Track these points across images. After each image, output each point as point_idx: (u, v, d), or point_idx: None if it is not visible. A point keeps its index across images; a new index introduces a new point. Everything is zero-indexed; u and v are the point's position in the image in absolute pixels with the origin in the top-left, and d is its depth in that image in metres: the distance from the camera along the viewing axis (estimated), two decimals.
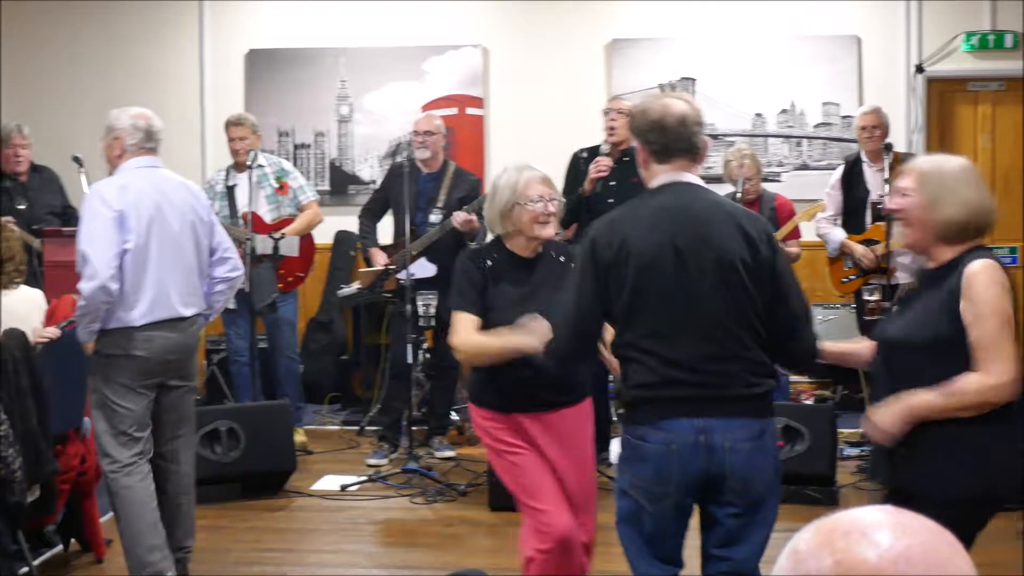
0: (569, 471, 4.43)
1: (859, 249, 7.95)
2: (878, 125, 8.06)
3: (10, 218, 7.81)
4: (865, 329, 8.01)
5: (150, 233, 5.19)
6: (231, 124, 8.20)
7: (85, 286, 5.03)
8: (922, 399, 3.59)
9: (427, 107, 9.90)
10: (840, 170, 8.31)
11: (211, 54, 10.34)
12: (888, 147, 7.81)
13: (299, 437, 7.92)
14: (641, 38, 9.93)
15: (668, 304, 3.61)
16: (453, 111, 10.02)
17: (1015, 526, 5.82)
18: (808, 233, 8.31)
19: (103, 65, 10.36)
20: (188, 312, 5.33)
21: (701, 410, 3.60)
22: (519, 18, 10.10)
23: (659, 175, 3.75)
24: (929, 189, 3.71)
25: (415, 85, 10.11)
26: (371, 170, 10.16)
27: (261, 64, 10.24)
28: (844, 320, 9.31)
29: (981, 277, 3.58)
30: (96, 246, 5.05)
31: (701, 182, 3.78)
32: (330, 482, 7.26)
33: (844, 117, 9.76)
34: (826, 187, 8.33)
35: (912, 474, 3.70)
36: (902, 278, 8.04)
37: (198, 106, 10.32)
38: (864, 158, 8.17)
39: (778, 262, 3.70)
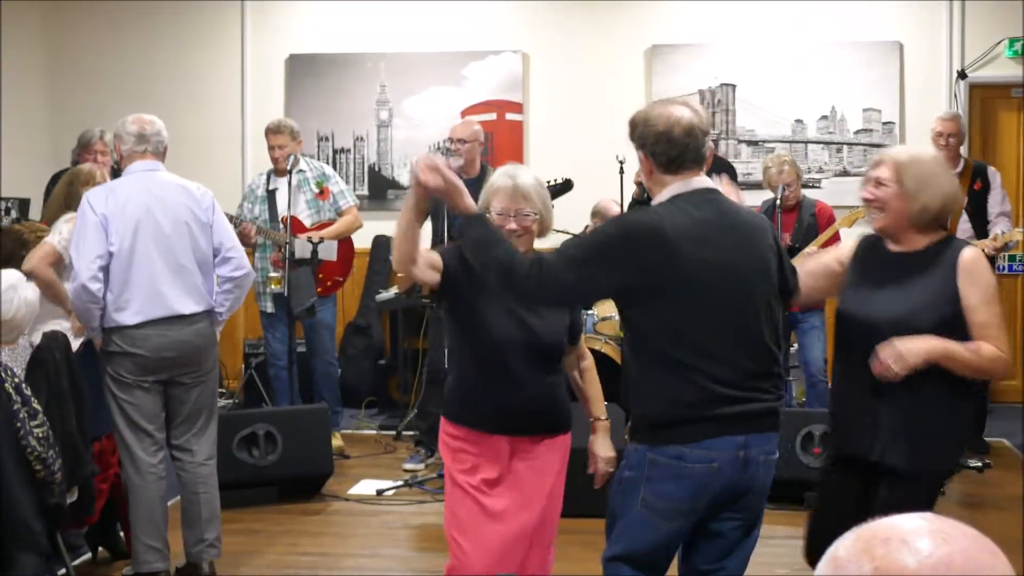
0: (534, 503, 4.16)
1: None
2: (955, 133, 7.97)
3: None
4: None
5: (136, 235, 5.34)
6: (270, 132, 8.24)
7: (69, 287, 5.37)
8: (949, 344, 3.80)
9: (466, 112, 9.92)
10: None
11: (252, 59, 10.39)
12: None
13: (336, 441, 7.93)
14: (681, 43, 9.91)
15: (718, 323, 3.54)
16: (492, 116, 10.03)
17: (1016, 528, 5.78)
18: (849, 239, 8.22)
19: (145, 70, 10.43)
20: (187, 310, 5.43)
21: (743, 427, 3.56)
22: (559, 23, 10.10)
23: (670, 185, 3.64)
24: (908, 179, 3.94)
25: (455, 90, 10.12)
26: (410, 175, 10.14)
27: (301, 69, 10.28)
28: None
29: (981, 264, 3.92)
30: (79, 249, 5.28)
31: (714, 187, 3.73)
32: (366, 486, 7.27)
33: (885, 123, 9.71)
34: None
35: (906, 450, 3.89)
36: None
37: (239, 111, 10.38)
38: None
39: (785, 265, 3.83)
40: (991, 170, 8.19)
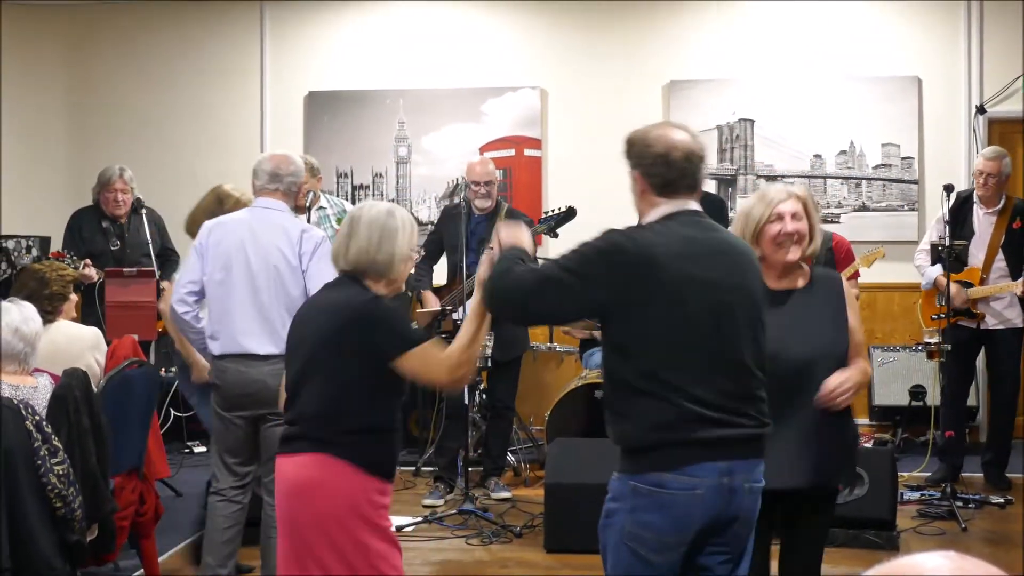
0: None
1: (953, 290, 7.73)
2: (996, 174, 7.90)
3: (88, 261, 7.95)
4: (943, 369, 7.89)
5: (229, 269, 5.49)
6: None
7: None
8: (863, 370, 4.19)
9: (485, 148, 9.94)
10: (950, 203, 8.07)
11: (271, 96, 10.44)
12: (950, 187, 7.71)
13: None
14: (699, 79, 9.93)
15: (697, 342, 3.45)
16: (511, 152, 10.05)
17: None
18: (868, 275, 8.21)
19: (165, 108, 10.49)
20: (261, 351, 5.46)
21: (726, 453, 3.45)
22: (577, 60, 10.12)
23: (660, 206, 3.58)
24: (812, 212, 4.20)
25: (473, 126, 10.15)
26: (429, 211, 10.20)
27: (321, 106, 10.32)
28: (903, 362, 9.23)
29: (851, 289, 4.30)
30: (180, 273, 5.69)
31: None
32: None
33: (904, 158, 9.71)
34: (899, 226, 8.22)
35: (829, 470, 4.18)
36: (991, 323, 7.93)
37: (259, 148, 10.41)
38: (976, 199, 8.02)
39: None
40: None
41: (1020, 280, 7.77)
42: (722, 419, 3.44)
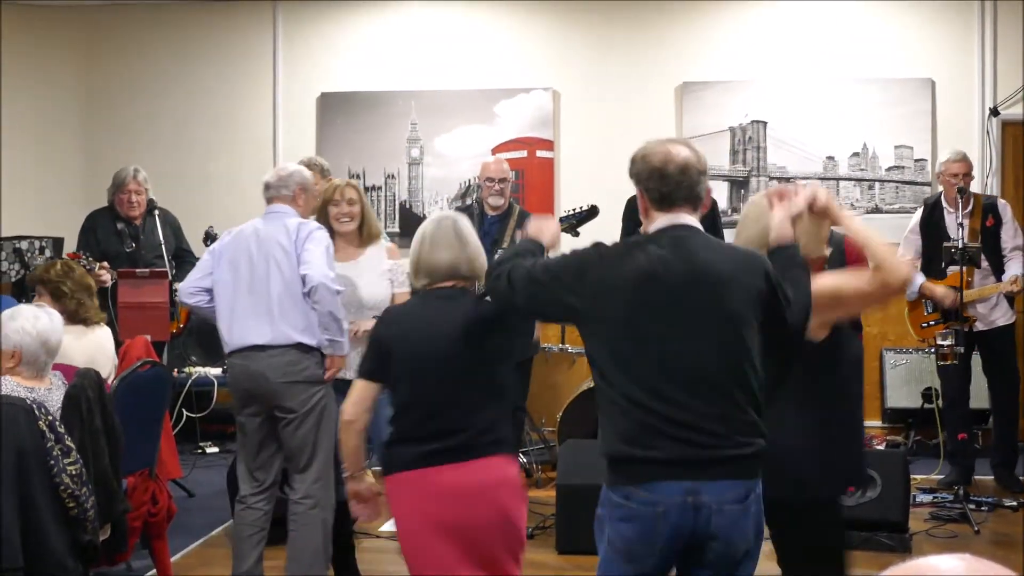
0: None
1: (940, 290, 7.83)
2: (968, 172, 7.99)
3: (105, 263, 7.97)
4: (942, 373, 7.92)
5: (234, 269, 5.64)
6: (304, 167, 8.22)
7: None
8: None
9: (497, 150, 9.95)
10: (919, 213, 8.22)
11: (284, 97, 10.45)
12: (961, 190, 7.76)
13: (368, 477, 7.90)
14: (712, 81, 9.92)
15: (665, 358, 3.48)
16: (523, 154, 10.06)
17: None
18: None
19: (178, 110, 10.51)
20: (261, 340, 5.55)
21: (690, 472, 3.46)
22: (590, 61, 10.12)
23: (657, 220, 3.64)
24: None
25: (485, 128, 10.16)
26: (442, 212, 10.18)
27: (333, 107, 10.33)
28: (915, 365, 9.21)
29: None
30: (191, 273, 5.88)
31: (699, 225, 3.66)
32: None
33: (917, 160, 9.69)
34: (905, 230, 8.25)
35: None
36: (980, 326, 7.95)
37: (271, 149, 10.43)
38: (944, 203, 8.07)
39: (780, 302, 3.62)
40: (1001, 203, 8.18)
41: (1009, 277, 7.80)
42: (690, 438, 3.47)
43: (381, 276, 6.08)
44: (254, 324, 5.58)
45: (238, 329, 5.62)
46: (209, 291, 5.72)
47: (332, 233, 5.91)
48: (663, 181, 3.60)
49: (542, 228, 3.96)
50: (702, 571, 3.57)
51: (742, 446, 3.51)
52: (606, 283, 3.53)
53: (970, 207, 7.92)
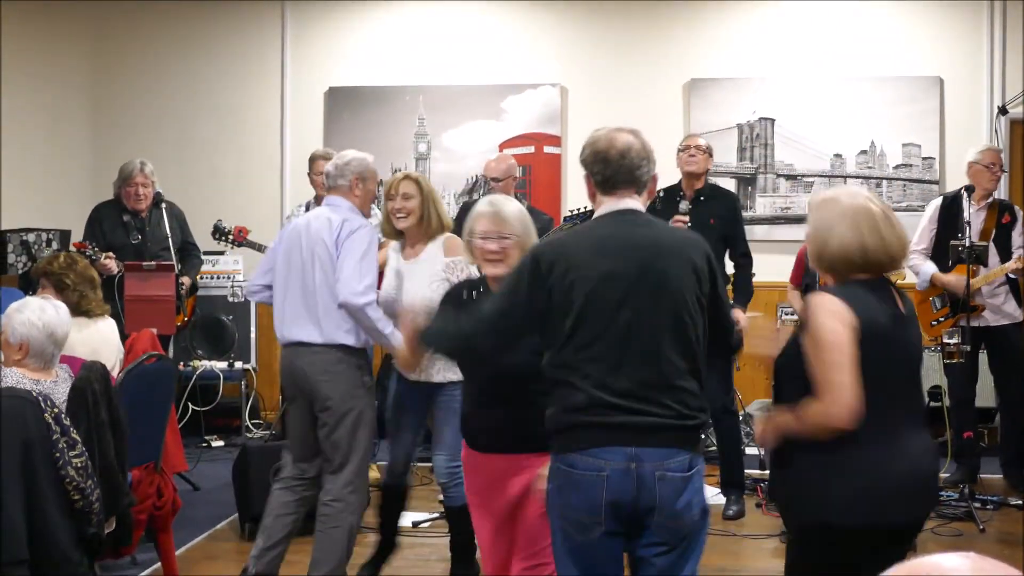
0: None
1: (951, 278, 7.79)
2: (1000, 163, 8.00)
3: (111, 254, 7.98)
4: (948, 371, 7.91)
5: (287, 263, 5.68)
6: (318, 158, 8.14)
7: None
8: (782, 418, 3.72)
9: (504, 145, 9.95)
10: (937, 203, 8.18)
11: (292, 92, 10.46)
12: (971, 188, 7.77)
13: (373, 473, 7.91)
14: (720, 78, 9.91)
15: (609, 330, 3.61)
16: (530, 149, 10.05)
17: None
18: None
19: (186, 104, 10.52)
20: (303, 337, 5.60)
21: (634, 438, 3.57)
22: (597, 57, 10.12)
23: (603, 205, 3.81)
24: (810, 221, 3.89)
25: (493, 123, 10.15)
26: (448, 207, 10.16)
27: (341, 102, 10.33)
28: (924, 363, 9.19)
29: (813, 311, 3.67)
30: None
31: (642, 209, 3.80)
32: (402, 518, 7.25)
33: (925, 158, 9.68)
34: (923, 219, 8.24)
35: (778, 497, 3.95)
36: (991, 319, 7.93)
37: (279, 143, 10.44)
38: (965, 197, 8.03)
39: (718, 284, 3.79)
40: (1015, 207, 8.19)
41: (1017, 255, 7.80)
42: (632, 407, 3.58)
43: (434, 276, 5.76)
44: (300, 321, 5.60)
45: (286, 324, 5.66)
46: (270, 287, 5.76)
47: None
48: (606, 165, 3.78)
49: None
50: (651, 550, 3.65)
51: (685, 417, 3.64)
52: (555, 269, 3.66)
53: (990, 199, 7.95)
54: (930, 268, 7.95)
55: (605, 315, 3.61)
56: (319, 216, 5.69)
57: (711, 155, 7.59)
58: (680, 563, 3.68)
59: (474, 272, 5.12)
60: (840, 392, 3.57)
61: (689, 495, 3.64)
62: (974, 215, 7.91)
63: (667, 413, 3.60)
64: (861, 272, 3.74)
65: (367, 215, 5.86)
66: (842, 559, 3.66)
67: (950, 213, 7.98)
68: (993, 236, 7.90)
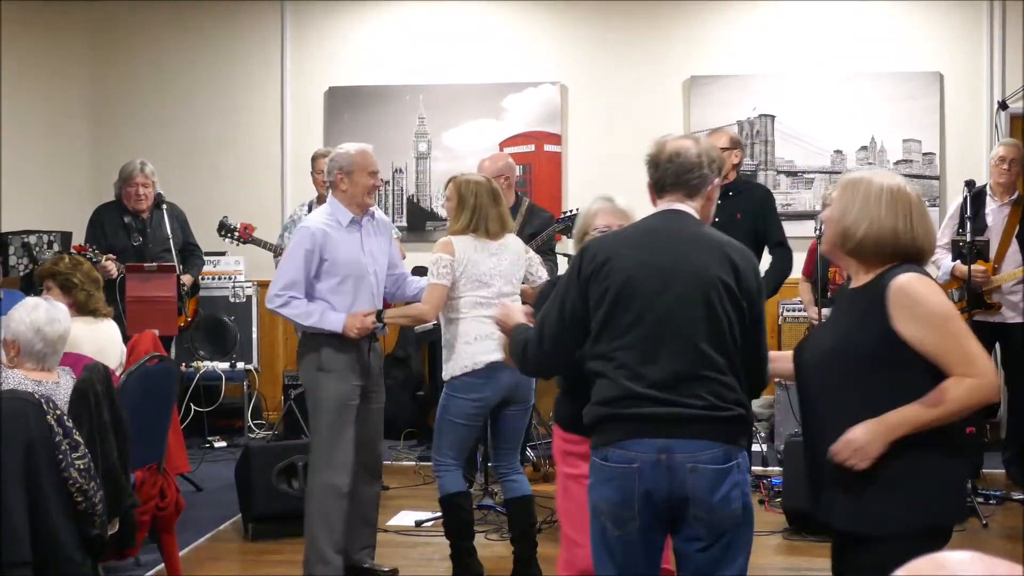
0: None
1: (974, 271, 7.70)
2: (1017, 158, 7.94)
3: (111, 255, 7.98)
4: None
5: None
6: (320, 157, 8.12)
7: None
8: (903, 414, 3.38)
9: (505, 144, 9.95)
10: (959, 200, 8.13)
11: (292, 92, 10.46)
12: (971, 183, 7.72)
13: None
14: (720, 75, 9.91)
15: (644, 320, 3.64)
16: (531, 148, 10.05)
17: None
18: None
19: (186, 104, 10.52)
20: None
21: (663, 430, 3.58)
22: (598, 55, 10.12)
23: (657, 207, 3.89)
24: (839, 203, 3.61)
25: (493, 122, 10.15)
26: None
27: (341, 101, 10.33)
28: None
29: (913, 290, 3.42)
30: None
31: (693, 213, 3.82)
32: (405, 518, 7.27)
33: (925, 154, 9.68)
34: (946, 215, 8.22)
35: (859, 512, 3.48)
36: (1008, 316, 7.90)
37: (279, 143, 10.44)
38: (988, 191, 8.02)
39: (759, 299, 3.76)
40: None
41: None
42: (663, 398, 3.60)
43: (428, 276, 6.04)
44: None
45: None
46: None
47: None
48: (656, 169, 3.87)
49: (509, 315, 4.15)
50: (693, 544, 3.65)
51: (718, 408, 3.61)
52: (602, 264, 3.71)
53: (1015, 195, 7.92)
54: (950, 263, 7.91)
55: (639, 304, 3.64)
56: None
57: (737, 147, 7.58)
58: (723, 561, 3.65)
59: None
60: (986, 362, 3.41)
61: (727, 488, 3.60)
62: (997, 210, 7.89)
63: (700, 404, 3.59)
64: (890, 260, 3.52)
65: (365, 207, 5.87)
66: None
67: (972, 209, 7.92)
68: (1017, 232, 7.86)
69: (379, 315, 5.83)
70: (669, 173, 3.82)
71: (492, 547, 6.73)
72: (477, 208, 5.90)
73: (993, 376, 3.43)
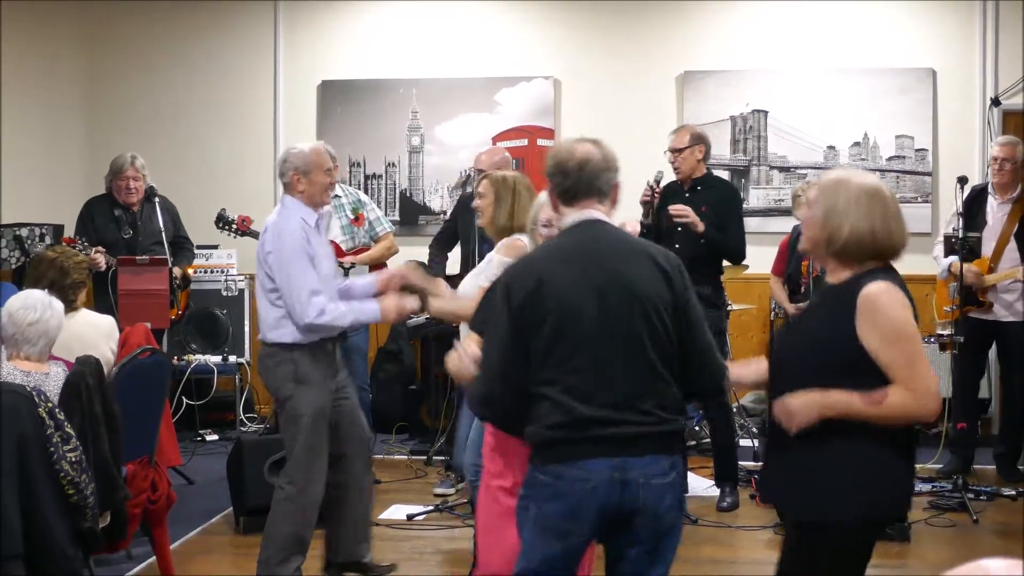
0: None
1: (969, 270, 7.70)
2: (1010, 158, 7.91)
3: (101, 248, 7.98)
4: (953, 362, 7.89)
5: None
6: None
7: None
8: (842, 398, 3.55)
9: (498, 138, 9.94)
10: (962, 196, 8.12)
11: (285, 85, 10.44)
12: (964, 179, 7.69)
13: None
14: (713, 70, 9.91)
15: (588, 343, 3.62)
16: (524, 142, 10.05)
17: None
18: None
19: (179, 97, 10.51)
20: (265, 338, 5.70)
21: (618, 449, 3.61)
22: (591, 50, 10.11)
23: (566, 216, 3.83)
24: (821, 203, 3.71)
25: (486, 116, 10.15)
26: (441, 200, 10.21)
27: (334, 95, 10.32)
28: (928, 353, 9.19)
29: (880, 301, 3.59)
30: None
31: (608, 219, 3.82)
32: (397, 511, 7.27)
33: (918, 150, 9.68)
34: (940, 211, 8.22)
35: (802, 496, 3.69)
36: (1001, 315, 7.90)
37: (271, 137, 10.42)
38: (991, 189, 8.02)
39: (689, 295, 3.78)
40: None
41: None
42: (613, 418, 3.61)
43: (478, 276, 5.58)
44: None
45: None
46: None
47: None
48: (564, 176, 3.81)
49: (460, 368, 4.22)
50: (631, 549, 3.71)
51: (665, 422, 3.67)
52: (532, 288, 3.66)
53: (1015, 193, 7.90)
54: (949, 260, 7.90)
55: (582, 330, 3.62)
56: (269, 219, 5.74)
57: (699, 142, 7.50)
58: (654, 563, 3.75)
59: None
60: (928, 383, 3.57)
61: (671, 498, 3.70)
62: (997, 208, 7.90)
63: (648, 420, 3.63)
64: (871, 260, 3.67)
65: (322, 204, 5.78)
66: (865, 552, 3.71)
67: (973, 206, 7.92)
68: (1017, 231, 7.86)
69: (422, 300, 5.65)
70: (583, 181, 3.78)
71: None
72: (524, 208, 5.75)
73: (931, 399, 3.58)
